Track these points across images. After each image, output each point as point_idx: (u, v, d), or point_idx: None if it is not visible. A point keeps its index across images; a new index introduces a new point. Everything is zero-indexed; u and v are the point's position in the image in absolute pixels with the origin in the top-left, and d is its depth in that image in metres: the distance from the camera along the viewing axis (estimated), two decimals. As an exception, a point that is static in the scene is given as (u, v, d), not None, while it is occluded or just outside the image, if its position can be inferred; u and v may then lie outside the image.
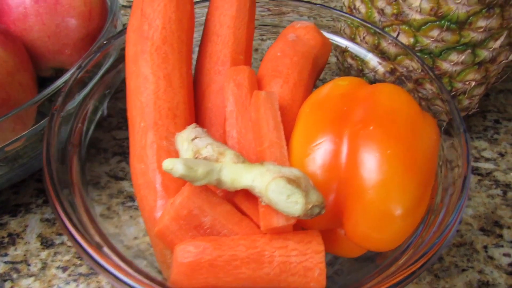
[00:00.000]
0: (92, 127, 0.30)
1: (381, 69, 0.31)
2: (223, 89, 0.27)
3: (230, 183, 0.20)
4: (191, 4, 0.27)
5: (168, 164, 0.19)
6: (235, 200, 0.22)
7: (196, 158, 0.21)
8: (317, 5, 0.32)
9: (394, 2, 0.29)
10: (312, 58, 0.29)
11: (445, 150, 0.26)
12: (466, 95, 0.32)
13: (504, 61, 0.30)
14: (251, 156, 0.24)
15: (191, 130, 0.22)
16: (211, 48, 0.28)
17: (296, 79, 0.27)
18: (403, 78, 0.30)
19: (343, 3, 0.34)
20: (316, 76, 0.30)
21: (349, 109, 0.23)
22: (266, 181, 0.19)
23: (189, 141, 0.21)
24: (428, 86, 0.28)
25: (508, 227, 0.34)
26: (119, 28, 0.33)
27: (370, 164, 0.20)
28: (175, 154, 0.23)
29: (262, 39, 0.44)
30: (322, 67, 0.31)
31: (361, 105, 0.23)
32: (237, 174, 0.20)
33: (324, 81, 0.40)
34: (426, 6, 0.27)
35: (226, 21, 0.28)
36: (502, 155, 0.39)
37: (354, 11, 0.32)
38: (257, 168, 0.20)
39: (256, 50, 0.43)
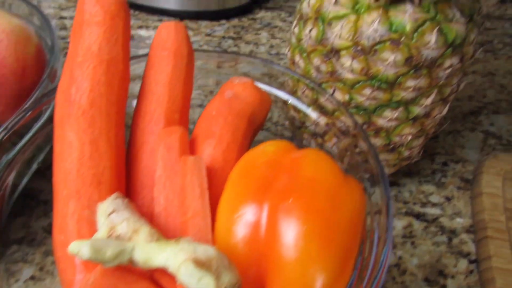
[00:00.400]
0: (24, 181, 0.30)
1: (321, 122, 0.31)
2: (155, 151, 0.26)
3: (143, 263, 0.19)
4: (124, 63, 0.27)
5: (74, 247, 0.18)
6: (155, 275, 0.21)
7: (110, 235, 0.20)
8: (258, 60, 0.32)
9: (328, 61, 0.29)
10: (248, 117, 0.29)
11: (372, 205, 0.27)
12: (404, 147, 0.32)
13: (438, 115, 0.31)
14: (177, 225, 0.23)
15: (111, 203, 0.22)
16: (145, 107, 0.28)
17: (229, 140, 0.27)
18: (340, 133, 0.30)
19: (286, 55, 0.35)
20: (253, 133, 0.30)
21: (273, 178, 0.22)
22: (178, 262, 0.19)
23: (106, 215, 0.21)
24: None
25: (452, 277, 0.34)
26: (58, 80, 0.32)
27: (288, 240, 0.20)
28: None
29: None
30: (260, 123, 0.31)
31: (284, 174, 0.23)
32: (150, 254, 0.19)
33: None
34: (357, 66, 0.28)
35: (161, 79, 0.28)
36: (448, 199, 0.40)
37: (294, 64, 0.33)
38: (171, 247, 0.19)
39: (201, 106, 0.43)
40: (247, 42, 0.57)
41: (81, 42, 0.26)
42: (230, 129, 0.27)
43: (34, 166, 0.31)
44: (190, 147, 0.28)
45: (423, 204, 0.39)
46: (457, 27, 0.26)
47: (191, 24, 0.59)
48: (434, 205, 0.39)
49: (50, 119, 0.29)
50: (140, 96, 0.29)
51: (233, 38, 0.57)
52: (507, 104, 0.50)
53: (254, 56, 0.32)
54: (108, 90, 0.26)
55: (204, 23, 0.60)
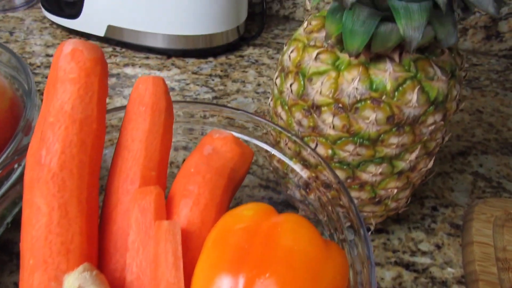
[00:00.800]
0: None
1: (304, 175, 0.31)
2: (129, 212, 0.25)
3: None
4: (98, 122, 0.26)
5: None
6: None
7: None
8: (239, 111, 0.32)
9: (309, 116, 0.28)
10: (228, 173, 0.28)
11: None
12: (391, 200, 0.32)
13: (424, 168, 0.30)
14: (149, 296, 0.22)
15: (77, 277, 0.20)
16: (121, 165, 0.27)
17: (207, 199, 0.26)
18: (323, 186, 0.29)
19: (269, 104, 0.34)
20: (234, 189, 0.29)
21: (250, 246, 0.21)
22: None
23: (71, 293, 0.20)
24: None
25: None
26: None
27: (264, 320, 0.19)
28: (63, 299, 0.21)
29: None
30: (241, 178, 0.30)
31: (262, 243, 0.22)
32: None
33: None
34: (338, 123, 0.27)
35: (138, 135, 0.27)
36: (439, 247, 0.38)
37: (277, 115, 0.32)
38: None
39: (185, 148, 0.42)
40: (234, 81, 0.56)
41: (54, 101, 0.25)
42: (208, 187, 0.27)
43: (7, 221, 0.30)
44: (167, 207, 0.27)
45: (413, 253, 0.38)
46: (438, 85, 0.26)
47: (177, 61, 0.59)
48: (424, 253, 0.38)
49: (22, 177, 0.28)
50: (116, 153, 0.28)
51: (220, 76, 0.57)
52: (496, 143, 0.50)
53: (238, 109, 0.31)
54: (80, 150, 0.25)
55: (191, 60, 0.60)
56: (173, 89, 0.54)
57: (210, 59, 0.60)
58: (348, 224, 0.27)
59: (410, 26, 0.21)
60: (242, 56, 0.61)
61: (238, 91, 0.55)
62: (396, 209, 0.34)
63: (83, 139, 0.25)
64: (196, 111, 0.35)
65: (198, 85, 0.55)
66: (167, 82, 0.55)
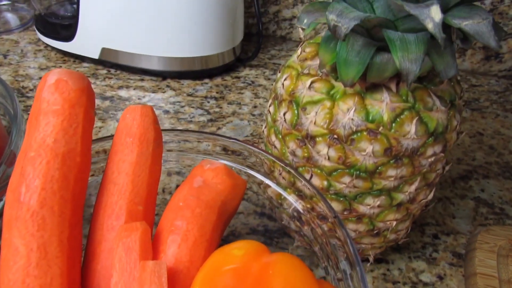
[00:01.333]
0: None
1: (299, 206, 0.29)
2: (113, 250, 0.24)
3: None
4: (82, 155, 0.25)
5: None
6: None
7: None
8: (231, 140, 0.31)
9: (303, 146, 0.27)
10: (218, 207, 0.26)
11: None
12: (390, 232, 0.30)
13: (424, 200, 0.29)
14: None
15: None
16: (106, 199, 0.26)
17: (196, 235, 0.25)
18: (319, 218, 0.28)
19: (262, 131, 0.33)
20: (225, 223, 0.28)
21: (240, 291, 0.20)
22: None
23: None
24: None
25: None
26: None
27: None
28: None
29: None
30: (234, 210, 0.28)
31: (252, 286, 0.20)
32: None
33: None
34: (334, 155, 0.26)
35: (124, 167, 0.26)
36: (441, 278, 0.37)
37: (271, 144, 0.31)
38: None
39: (179, 173, 0.41)
40: (230, 102, 0.56)
41: (36, 134, 0.24)
42: (198, 222, 0.25)
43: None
44: (154, 243, 0.25)
45: (414, 284, 0.36)
46: (437, 116, 0.25)
47: (173, 83, 0.59)
48: (425, 284, 0.36)
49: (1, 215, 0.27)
50: (101, 187, 0.27)
51: (215, 98, 0.56)
52: (497, 167, 0.49)
53: (232, 137, 0.30)
54: (62, 186, 0.24)
55: (186, 82, 0.59)
56: (167, 111, 0.53)
57: (206, 80, 0.60)
58: (345, 255, 0.26)
59: (407, 58, 0.20)
60: (238, 77, 0.61)
61: (234, 113, 0.54)
62: (396, 240, 0.32)
63: (65, 174, 0.24)
64: (190, 138, 0.34)
65: (193, 107, 0.54)
66: (162, 104, 0.54)
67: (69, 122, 0.25)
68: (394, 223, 0.29)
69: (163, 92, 0.57)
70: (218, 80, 0.60)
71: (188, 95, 0.57)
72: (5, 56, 0.61)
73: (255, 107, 0.55)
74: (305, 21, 0.24)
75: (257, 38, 0.68)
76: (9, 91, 0.33)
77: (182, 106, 0.54)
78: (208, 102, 0.56)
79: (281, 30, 0.71)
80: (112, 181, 0.26)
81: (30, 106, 0.52)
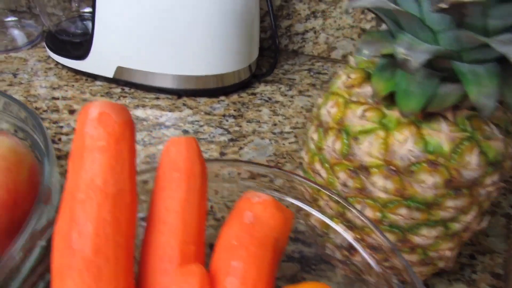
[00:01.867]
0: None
1: (348, 236, 0.28)
2: (169, 298, 0.23)
3: None
4: (131, 195, 0.24)
5: None
6: None
7: None
8: (272, 169, 0.30)
9: (356, 177, 0.26)
10: (273, 244, 0.25)
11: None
12: (441, 260, 0.29)
13: (476, 228, 0.28)
14: None
15: None
16: (155, 240, 0.25)
17: (254, 277, 0.24)
18: (370, 248, 0.27)
19: (302, 157, 0.32)
20: (278, 262, 0.26)
21: None
22: None
23: None
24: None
25: None
26: (56, 201, 0.29)
27: None
28: None
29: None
30: (284, 246, 0.27)
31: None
32: None
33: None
34: (391, 186, 0.25)
35: (173, 206, 0.25)
36: (483, 301, 0.36)
37: (314, 172, 0.30)
38: None
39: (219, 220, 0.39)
40: (249, 121, 0.55)
41: (82, 173, 0.23)
42: (256, 262, 0.24)
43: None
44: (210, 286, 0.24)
45: (457, 309, 0.36)
46: (496, 145, 0.24)
47: (189, 101, 0.57)
48: (468, 309, 0.36)
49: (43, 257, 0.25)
50: (148, 227, 0.25)
51: (234, 116, 0.55)
52: (524, 182, 0.48)
53: (271, 166, 0.29)
54: (115, 230, 0.22)
55: (203, 100, 0.58)
56: (187, 131, 0.52)
57: (222, 97, 0.59)
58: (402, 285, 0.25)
59: (482, 93, 0.20)
60: (254, 94, 0.60)
61: (254, 132, 0.53)
62: (445, 268, 0.32)
63: (117, 217, 0.23)
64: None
65: (212, 126, 0.53)
66: (180, 124, 0.53)
67: (116, 159, 0.24)
68: (447, 251, 0.28)
69: (180, 111, 0.55)
70: (234, 97, 0.59)
71: (206, 113, 0.55)
72: (14, 75, 0.59)
73: (274, 125, 0.54)
74: (366, 52, 0.23)
75: (270, 53, 0.68)
76: (37, 122, 0.32)
77: (201, 126, 0.53)
78: (227, 120, 0.54)
79: (293, 44, 0.70)
80: (161, 220, 0.25)
81: (46, 128, 0.51)
